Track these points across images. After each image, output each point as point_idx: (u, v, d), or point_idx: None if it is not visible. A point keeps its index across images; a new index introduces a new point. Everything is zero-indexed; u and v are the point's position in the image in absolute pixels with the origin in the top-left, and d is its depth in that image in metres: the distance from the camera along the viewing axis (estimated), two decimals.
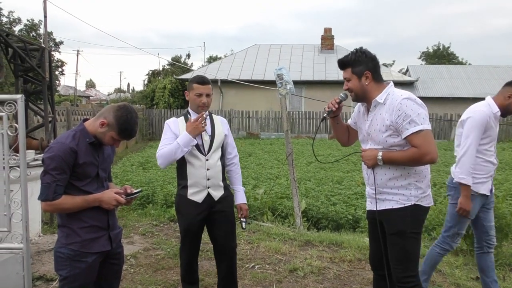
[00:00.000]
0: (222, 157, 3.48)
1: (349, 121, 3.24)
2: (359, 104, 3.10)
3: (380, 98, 2.83)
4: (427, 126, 2.70)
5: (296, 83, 8.76)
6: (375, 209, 2.96)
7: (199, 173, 3.33)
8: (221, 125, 3.51)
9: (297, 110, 22.92)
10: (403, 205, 2.83)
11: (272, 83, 8.36)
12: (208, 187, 3.36)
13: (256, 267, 4.65)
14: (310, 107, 22.42)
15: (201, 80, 3.36)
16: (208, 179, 3.34)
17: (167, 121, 3.46)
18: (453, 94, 25.77)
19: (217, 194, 3.40)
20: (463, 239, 5.18)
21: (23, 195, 3.55)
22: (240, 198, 3.58)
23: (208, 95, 3.35)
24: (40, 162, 2.58)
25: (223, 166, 3.47)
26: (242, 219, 3.58)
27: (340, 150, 15.83)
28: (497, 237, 4.98)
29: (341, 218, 6.96)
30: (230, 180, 3.59)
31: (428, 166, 2.90)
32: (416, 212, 2.84)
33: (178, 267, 4.58)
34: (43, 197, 2.49)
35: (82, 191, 2.58)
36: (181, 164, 3.39)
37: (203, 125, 3.27)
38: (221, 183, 3.43)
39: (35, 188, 4.41)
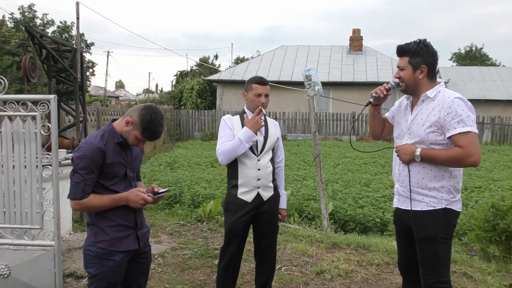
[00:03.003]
0: (273, 159, 3.49)
1: (386, 115, 3.18)
2: (401, 99, 3.05)
3: (430, 92, 2.78)
4: (475, 130, 2.65)
5: (324, 84, 8.71)
6: (403, 207, 2.89)
7: (250, 173, 3.35)
8: (274, 127, 3.53)
9: (325, 111, 22.76)
10: (433, 208, 2.76)
11: (299, 84, 8.33)
12: (258, 187, 3.37)
13: (283, 269, 4.62)
14: (337, 108, 22.23)
15: (261, 81, 3.41)
16: (258, 180, 3.36)
17: (223, 117, 3.48)
18: (485, 96, 25.18)
19: (267, 194, 3.41)
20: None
21: (55, 193, 3.62)
22: (282, 202, 3.61)
23: (266, 96, 3.39)
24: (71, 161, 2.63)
25: (274, 167, 3.49)
26: (278, 223, 3.63)
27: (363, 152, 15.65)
28: None
29: (368, 221, 6.88)
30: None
31: (462, 171, 2.83)
32: (447, 217, 2.77)
33: (206, 267, 4.63)
34: (71, 196, 2.54)
35: (110, 191, 2.61)
36: (233, 163, 3.39)
37: (261, 120, 3.31)
38: (271, 184, 3.43)
39: (66, 186, 4.47)
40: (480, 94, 25.49)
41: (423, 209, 2.78)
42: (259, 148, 3.37)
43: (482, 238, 5.11)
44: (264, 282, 3.56)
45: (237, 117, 3.45)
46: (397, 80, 2.91)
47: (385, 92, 2.93)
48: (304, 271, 4.57)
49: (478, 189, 9.12)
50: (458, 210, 2.81)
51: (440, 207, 2.75)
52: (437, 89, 2.79)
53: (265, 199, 3.40)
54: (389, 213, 6.98)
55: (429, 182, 2.77)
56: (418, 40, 2.80)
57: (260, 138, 3.38)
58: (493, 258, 5.12)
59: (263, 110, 3.34)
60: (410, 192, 2.82)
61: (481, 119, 20.75)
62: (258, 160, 3.36)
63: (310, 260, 4.87)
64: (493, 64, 46.77)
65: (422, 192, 2.79)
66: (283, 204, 3.61)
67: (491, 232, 4.95)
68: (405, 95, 3.00)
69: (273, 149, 3.49)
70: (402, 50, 2.82)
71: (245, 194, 3.37)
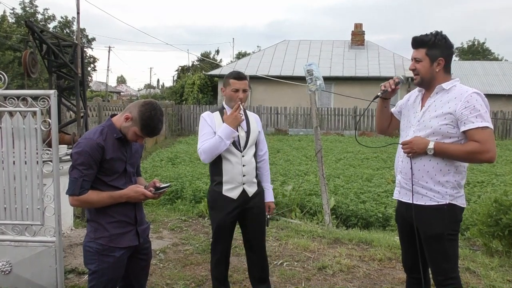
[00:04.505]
0: (255, 154, 3.46)
1: (392, 110, 3.11)
2: (411, 92, 3.00)
3: (446, 85, 2.72)
4: (491, 126, 2.61)
5: (326, 79, 8.62)
6: (404, 200, 2.85)
7: (235, 169, 3.31)
8: (255, 121, 3.49)
9: (326, 106, 22.72)
10: (436, 203, 2.71)
11: (301, 79, 8.30)
12: (244, 183, 3.34)
13: (285, 264, 4.62)
14: (339, 103, 22.18)
15: (238, 76, 3.34)
16: (244, 176, 3.32)
17: (202, 115, 3.42)
18: (488, 91, 25.13)
19: (252, 190, 3.38)
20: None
21: (55, 189, 3.61)
22: (269, 196, 3.57)
23: (244, 91, 3.32)
24: None
25: (257, 161, 3.47)
26: (268, 217, 3.59)
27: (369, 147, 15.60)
28: None
29: (370, 216, 6.86)
30: (260, 177, 3.54)
31: (467, 167, 2.80)
32: (453, 213, 2.72)
33: (207, 262, 4.61)
34: (70, 192, 2.54)
35: (110, 186, 2.60)
36: (216, 160, 3.34)
37: (240, 115, 3.27)
38: (255, 180, 3.42)
39: (67, 182, 4.48)
40: (482, 88, 25.38)
41: (426, 204, 2.74)
42: (242, 143, 3.33)
43: (485, 233, 5.09)
44: (262, 277, 3.55)
45: (217, 113, 3.39)
46: (406, 75, 2.86)
47: (393, 86, 2.87)
48: (306, 266, 4.56)
49: (481, 183, 9.10)
50: (462, 205, 2.77)
51: (444, 203, 2.70)
52: (453, 83, 2.74)
53: (250, 195, 3.37)
54: (391, 208, 6.96)
55: (435, 176, 2.71)
56: (435, 32, 2.72)
57: (242, 134, 3.34)
58: (496, 253, 5.09)
59: (241, 106, 3.29)
60: (412, 184, 2.76)
61: None
62: (243, 156, 3.32)
63: (312, 255, 4.86)
64: (496, 59, 46.70)
65: (426, 186, 2.74)
66: (269, 197, 3.55)
67: (494, 227, 4.93)
68: (417, 88, 2.94)
69: (255, 144, 3.46)
70: (419, 42, 2.73)
71: (231, 191, 3.33)
